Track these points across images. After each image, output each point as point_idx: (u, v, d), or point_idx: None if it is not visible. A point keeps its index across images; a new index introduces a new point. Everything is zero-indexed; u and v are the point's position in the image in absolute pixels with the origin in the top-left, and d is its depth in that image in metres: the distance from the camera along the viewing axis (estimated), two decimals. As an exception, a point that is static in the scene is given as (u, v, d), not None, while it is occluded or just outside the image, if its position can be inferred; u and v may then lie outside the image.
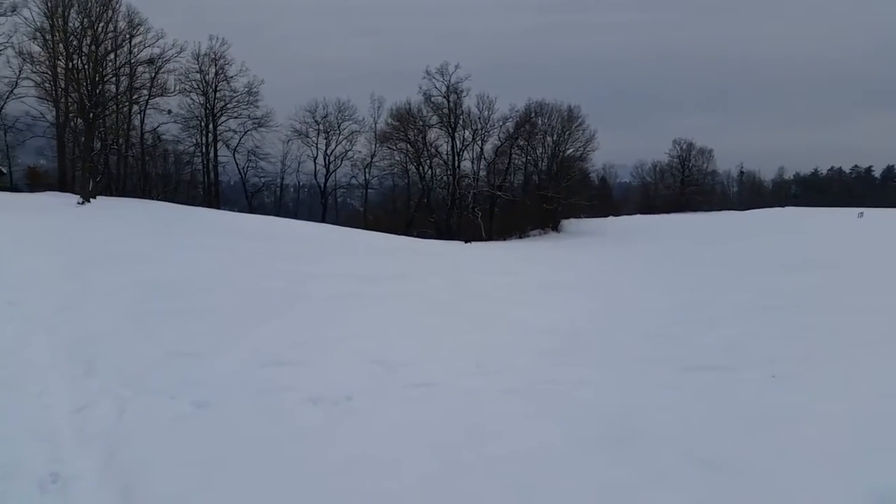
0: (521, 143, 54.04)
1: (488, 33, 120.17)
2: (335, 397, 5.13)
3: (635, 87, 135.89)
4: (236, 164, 58.24)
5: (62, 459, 4.21)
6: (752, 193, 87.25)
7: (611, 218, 55.75)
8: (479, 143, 55.03)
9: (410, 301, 9.30)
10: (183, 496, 3.69)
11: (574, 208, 53.15)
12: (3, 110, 49.44)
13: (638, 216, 57.23)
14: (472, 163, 55.62)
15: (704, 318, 8.80)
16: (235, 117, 56.47)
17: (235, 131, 56.96)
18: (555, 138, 53.59)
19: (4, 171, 50.50)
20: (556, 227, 50.56)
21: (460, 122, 54.60)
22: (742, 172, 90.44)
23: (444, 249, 24.57)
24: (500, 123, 54.36)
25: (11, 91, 48.57)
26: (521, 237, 48.83)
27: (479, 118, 54.41)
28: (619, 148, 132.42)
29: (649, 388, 5.40)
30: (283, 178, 62.03)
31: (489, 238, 47.73)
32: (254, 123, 56.69)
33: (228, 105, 55.97)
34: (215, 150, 56.47)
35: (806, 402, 4.96)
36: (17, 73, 47.97)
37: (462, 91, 54.17)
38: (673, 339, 7.38)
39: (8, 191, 45.00)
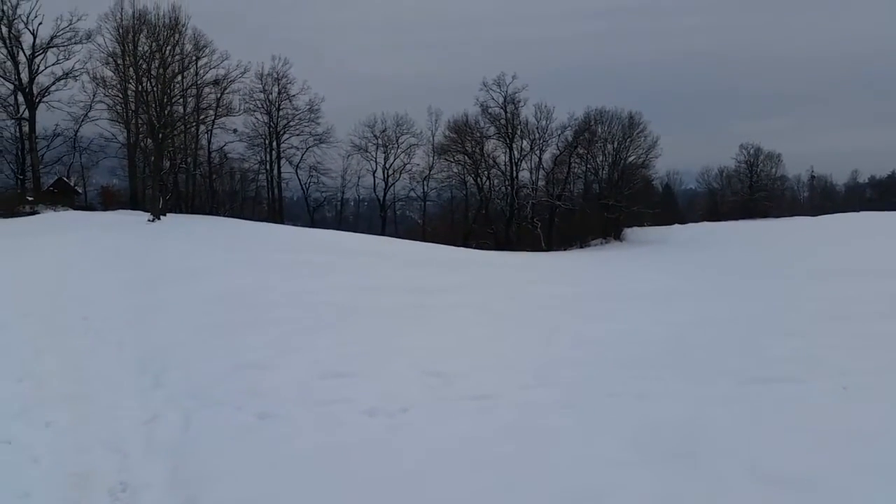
0: (581, 151, 53.44)
1: (546, 42, 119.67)
2: (392, 409, 5.15)
3: (700, 91, 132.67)
4: (299, 179, 59.64)
5: (131, 469, 4.37)
6: (823, 198, 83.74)
7: (676, 226, 54.32)
8: (538, 152, 54.71)
9: (468, 312, 9.28)
10: (246, 505, 3.76)
11: (637, 217, 52.15)
12: (78, 133, 52.19)
13: (704, 223, 55.59)
14: (531, 173, 55.35)
15: (773, 328, 8.46)
16: (297, 134, 57.94)
17: (298, 148, 58.40)
18: (615, 146, 52.81)
19: (80, 191, 53.21)
20: (618, 237, 49.68)
21: (518, 132, 54.42)
22: (813, 177, 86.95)
23: (503, 260, 24.48)
24: (559, 132, 53.93)
25: (86, 114, 51.28)
26: (581, 247, 48.21)
27: (537, 128, 54.14)
28: (683, 154, 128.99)
29: (713, 400, 5.22)
30: (343, 193, 63.14)
31: (549, 248, 47.27)
32: (315, 140, 58.03)
33: (291, 123, 57.46)
34: (279, 167, 58.04)
35: (880, 416, 4.69)
36: (92, 97, 50.64)
37: (519, 101, 54.03)
38: (739, 350, 7.12)
39: (83, 209, 47.39)
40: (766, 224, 49.70)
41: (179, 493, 3.97)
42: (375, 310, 9.36)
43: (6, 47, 47.91)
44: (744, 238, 37.01)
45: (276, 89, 56.35)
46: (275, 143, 57.46)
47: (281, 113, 57.00)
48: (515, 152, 54.56)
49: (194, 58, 50.64)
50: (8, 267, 15.26)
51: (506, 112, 54.24)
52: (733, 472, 3.85)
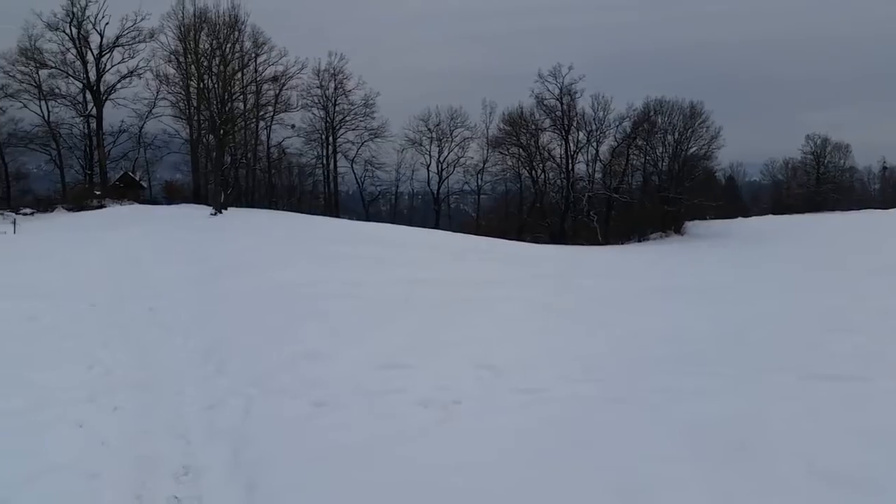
0: (640, 143, 52.29)
1: (604, 30, 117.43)
2: (444, 401, 5.20)
3: (765, 80, 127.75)
4: (354, 174, 60.44)
5: (194, 453, 4.54)
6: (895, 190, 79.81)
7: (739, 219, 52.67)
8: (595, 144, 53.82)
9: (519, 306, 9.25)
10: (302, 491, 3.89)
11: (698, 209, 50.69)
12: (143, 129, 54.19)
13: (769, 217, 53.80)
14: (587, 165, 54.49)
15: (837, 323, 8.14)
16: (353, 129, 58.69)
17: (353, 143, 59.15)
18: (676, 137, 51.35)
19: (145, 185, 55.23)
20: (678, 230, 48.47)
21: (574, 123, 53.65)
22: (885, 168, 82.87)
23: (557, 254, 24.27)
24: (617, 124, 52.86)
25: (150, 111, 53.25)
26: (640, 241, 47.26)
27: (594, 119, 53.20)
28: (748, 145, 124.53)
29: (768, 397, 5.08)
30: (397, 187, 63.68)
31: (605, 242, 46.56)
32: (370, 134, 58.64)
33: (347, 118, 58.22)
34: (335, 162, 58.95)
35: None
36: (155, 94, 52.56)
37: (576, 92, 53.22)
38: (799, 345, 6.90)
39: (148, 203, 49.20)
40: (834, 217, 47.73)
41: (239, 477, 4.11)
42: (428, 302, 9.43)
43: (76, 47, 50.09)
44: (810, 231, 35.64)
45: (333, 85, 57.17)
46: (331, 138, 58.34)
47: (337, 108, 57.81)
48: (571, 144, 53.86)
49: (253, 55, 51.85)
50: (78, 259, 15.99)
51: (562, 103, 53.56)
52: (789, 470, 3.76)
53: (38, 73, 48.91)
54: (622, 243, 45.69)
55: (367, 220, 49.38)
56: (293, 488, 3.91)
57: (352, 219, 48.23)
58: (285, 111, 55.23)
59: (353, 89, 57.32)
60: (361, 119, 58.24)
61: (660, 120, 51.58)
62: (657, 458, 4.01)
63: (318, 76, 56.60)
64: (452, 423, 4.78)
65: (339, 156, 59.24)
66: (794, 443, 4.12)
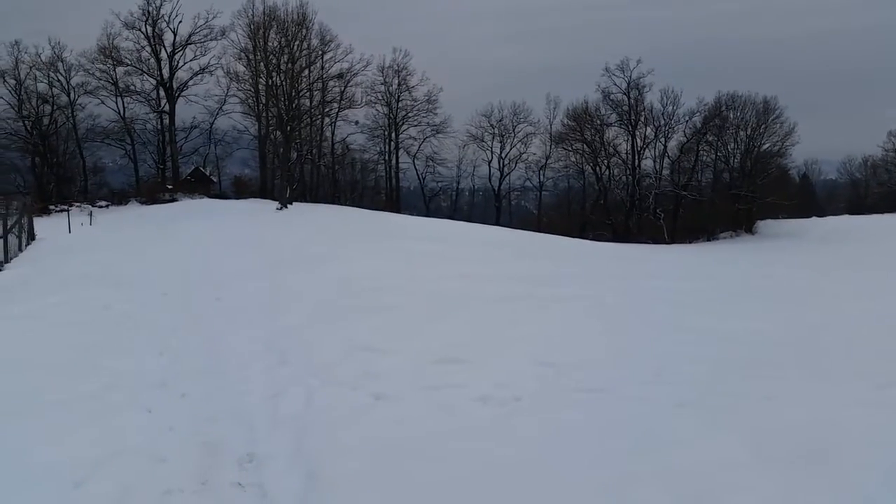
0: (710, 138, 50.65)
1: (673, 24, 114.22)
2: (503, 397, 5.13)
3: (844, 74, 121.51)
4: (415, 169, 60.79)
5: (257, 441, 4.61)
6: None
7: (814, 218, 50.37)
8: (663, 140, 52.44)
9: (582, 304, 9.07)
10: (361, 481, 3.89)
11: (771, 208, 48.78)
12: (213, 125, 55.91)
13: (846, 217, 51.24)
14: (655, 161, 53.15)
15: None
16: (415, 125, 59.01)
17: (415, 139, 59.49)
18: (748, 133, 49.44)
19: (215, 180, 57.00)
20: (749, 229, 46.80)
21: (641, 118, 52.43)
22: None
23: (621, 252, 23.78)
24: (686, 119, 51.33)
25: (220, 107, 54.82)
26: (709, 240, 45.86)
27: (663, 114, 51.81)
28: (824, 142, 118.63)
29: (846, 404, 4.81)
30: (458, 183, 63.70)
31: (672, 241, 45.38)
32: (432, 130, 58.85)
33: (409, 114, 58.59)
34: (397, 158, 59.44)
35: None
36: (226, 91, 54.07)
37: (644, 87, 51.96)
38: (878, 352, 6.51)
39: (218, 198, 50.75)
40: (917, 218, 45.12)
41: (301, 466, 4.14)
42: (488, 298, 9.35)
43: (150, 45, 52.08)
44: (890, 232, 33.80)
45: (397, 81, 57.60)
46: (394, 134, 58.84)
47: (400, 104, 58.23)
48: (638, 140, 52.68)
49: (320, 52, 52.71)
50: (150, 250, 16.62)
51: (629, 98, 52.42)
52: (865, 480, 3.55)
53: (115, 70, 51.14)
54: (690, 242, 44.42)
55: (428, 215, 49.65)
56: (352, 478, 3.92)
57: (412, 214, 48.61)
58: (350, 108, 56.03)
59: (417, 85, 57.64)
60: (424, 115, 58.53)
61: (731, 115, 49.85)
62: (724, 464, 3.86)
63: (383, 73, 57.15)
64: (512, 420, 4.71)
65: (401, 152, 59.73)
66: (871, 452, 3.90)
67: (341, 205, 48.98)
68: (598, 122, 53.87)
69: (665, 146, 52.38)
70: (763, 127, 48.90)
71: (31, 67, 48.65)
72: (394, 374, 5.86)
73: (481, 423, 4.68)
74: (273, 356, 6.72)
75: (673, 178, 51.89)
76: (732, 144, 50.67)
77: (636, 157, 52.65)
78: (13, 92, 48.54)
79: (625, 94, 52.53)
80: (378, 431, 4.61)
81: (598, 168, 54.71)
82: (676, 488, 3.59)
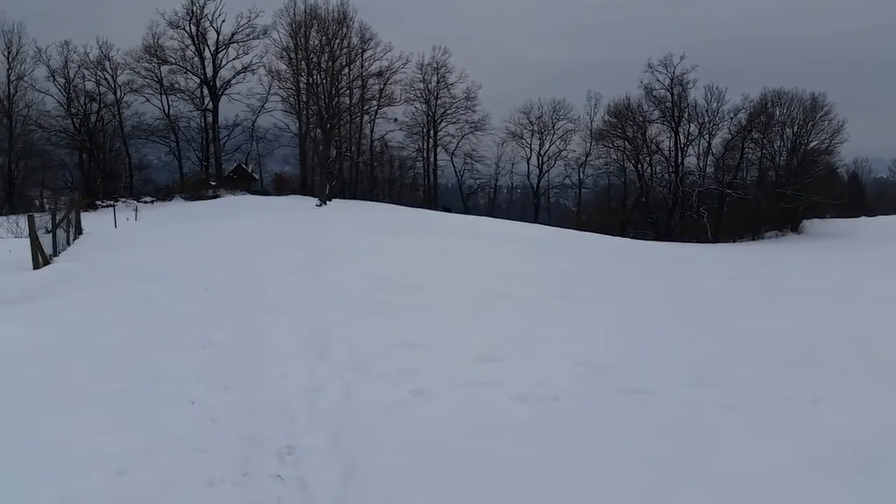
0: (756, 136, 49.49)
1: (718, 20, 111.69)
2: (542, 396, 5.08)
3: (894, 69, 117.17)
4: (454, 167, 60.88)
5: (296, 434, 4.65)
6: None
7: (863, 218, 48.79)
8: (707, 137, 51.48)
9: (624, 304, 8.92)
10: (398, 476, 3.91)
11: (818, 207, 47.37)
12: (255, 123, 56.80)
13: (896, 216, 49.52)
14: (698, 159, 52.22)
15: None
16: (454, 122, 59.08)
17: (453, 136, 59.55)
18: (795, 130, 48.14)
19: (256, 177, 57.93)
20: (795, 229, 45.54)
21: (685, 115, 51.52)
22: None
23: (665, 251, 23.37)
24: (731, 116, 50.33)
25: (262, 105, 55.72)
26: (753, 239, 44.77)
27: (707, 111, 50.88)
28: (874, 139, 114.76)
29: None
30: (496, 180, 63.59)
31: (715, 240, 44.46)
32: (471, 127, 58.83)
33: (448, 111, 58.65)
34: (435, 155, 59.58)
35: None
36: (267, 90, 54.93)
37: (688, 83, 51.11)
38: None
39: (259, 194, 51.61)
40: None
41: (340, 460, 4.17)
42: (527, 297, 9.27)
43: (194, 44, 53.18)
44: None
45: (435, 79, 57.70)
46: (432, 132, 58.97)
47: (439, 101, 58.32)
48: (681, 137, 51.79)
49: (360, 50, 53.16)
50: (193, 245, 16.94)
51: (672, 94, 51.59)
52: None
53: (159, 69, 52.38)
54: (734, 241, 43.47)
55: (465, 213, 49.61)
56: (390, 473, 3.93)
57: (450, 212, 48.62)
58: (389, 105, 56.37)
59: (455, 83, 57.68)
60: (462, 112, 58.53)
61: (778, 112, 48.61)
62: (771, 470, 3.75)
63: (422, 70, 57.30)
64: (550, 420, 4.65)
65: (439, 149, 59.82)
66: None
67: (380, 202, 49.28)
68: (641, 118, 53.13)
69: (709, 143, 51.46)
70: (810, 124, 47.55)
71: (79, 66, 50.16)
72: (432, 370, 5.84)
73: (519, 421, 4.63)
74: (312, 351, 6.78)
75: (717, 175, 50.87)
76: (779, 142, 49.45)
77: (679, 155, 51.80)
78: (62, 90, 50.10)
79: (668, 90, 51.73)
80: (416, 427, 4.60)
81: (639, 165, 53.96)
82: (720, 493, 3.50)
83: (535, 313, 8.25)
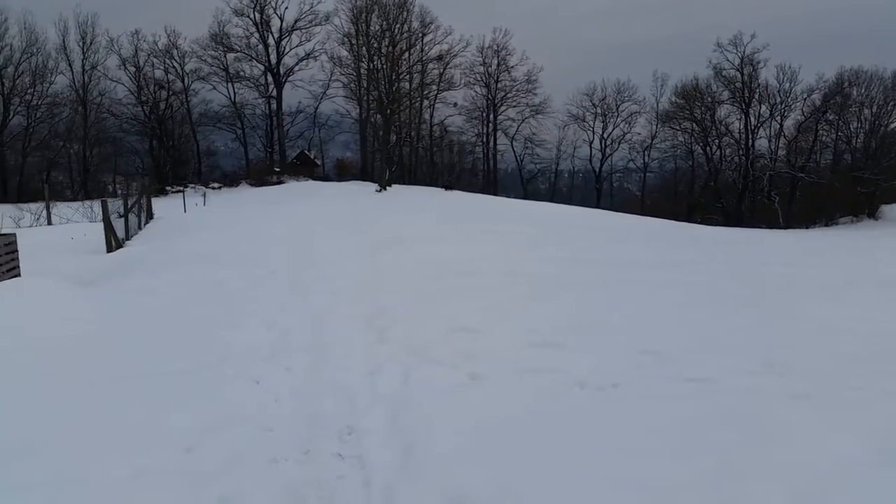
0: (831, 117, 47.29)
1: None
2: (601, 383, 5.01)
3: None
4: (513, 151, 60.53)
5: (356, 415, 4.73)
6: None
7: (947, 203, 46.05)
8: (778, 118, 49.52)
9: (690, 290, 8.69)
10: (455, 458, 3.94)
11: (897, 192, 45.01)
12: (317, 109, 57.79)
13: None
14: (769, 141, 50.34)
15: None
16: (514, 106, 58.69)
17: (514, 120, 59.16)
18: (874, 111, 45.76)
19: (318, 163, 59.03)
20: (872, 214, 43.34)
21: (756, 96, 49.66)
22: None
23: (735, 236, 22.63)
24: (805, 96, 48.26)
25: (324, 92, 56.75)
26: (827, 225, 42.88)
27: (779, 91, 48.94)
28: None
29: None
30: (557, 164, 62.94)
31: (787, 225, 42.78)
32: (531, 111, 58.31)
33: (508, 94, 58.27)
34: (495, 139, 59.33)
35: None
36: (329, 76, 55.84)
37: (758, 62, 49.26)
38: None
39: (321, 179, 52.61)
40: None
41: (398, 441, 4.23)
42: (588, 283, 9.15)
43: (259, 32, 54.47)
44: None
45: (496, 61, 57.37)
46: (492, 116, 58.68)
47: (499, 85, 57.99)
48: (752, 119, 50.00)
49: (420, 35, 53.36)
50: (259, 230, 17.39)
51: (742, 74, 49.79)
52: None
53: (225, 56, 53.97)
54: (807, 227, 41.73)
55: (525, 198, 49.29)
56: (447, 455, 3.96)
57: (510, 196, 48.39)
58: (448, 90, 56.43)
59: (516, 65, 57.23)
60: (523, 95, 58.06)
61: (855, 92, 46.27)
62: (842, 462, 3.62)
63: (482, 53, 57.05)
64: (610, 406, 4.59)
65: (499, 133, 59.51)
66: None
67: (438, 187, 49.45)
68: (709, 99, 51.54)
69: (781, 125, 49.52)
70: (891, 104, 45.02)
71: (148, 55, 52.21)
72: (490, 355, 5.85)
73: (578, 407, 4.59)
74: (372, 334, 6.88)
75: (789, 158, 48.92)
76: (856, 123, 47.10)
77: (749, 137, 50.03)
78: (133, 79, 52.23)
79: (738, 70, 49.95)
80: (472, 410, 4.62)
81: (708, 148, 52.41)
82: (784, 483, 3.40)
83: (595, 299, 8.14)
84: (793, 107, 48.89)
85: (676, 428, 4.15)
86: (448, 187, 40.71)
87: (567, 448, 3.95)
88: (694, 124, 52.71)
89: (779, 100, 48.91)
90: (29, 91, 48.35)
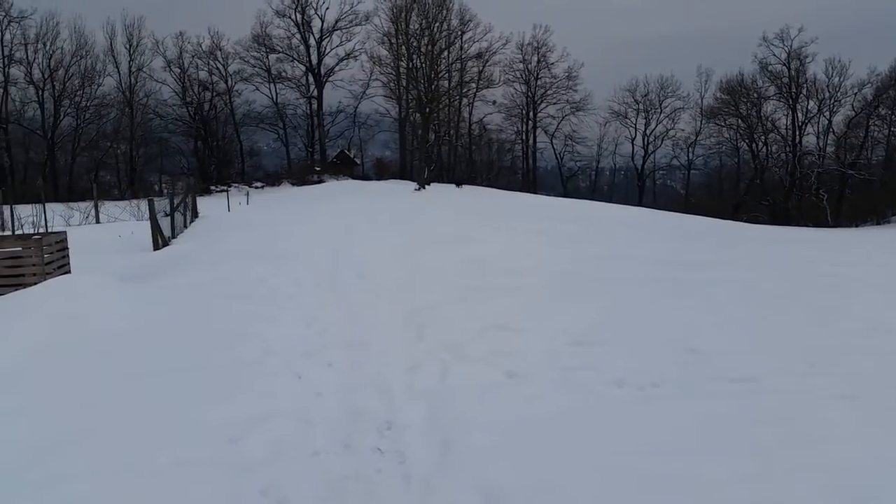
0: (883, 112, 45.71)
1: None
2: (641, 382, 4.98)
3: None
4: (553, 149, 60.12)
5: (395, 410, 4.79)
6: None
7: None
8: (827, 114, 48.12)
9: (733, 289, 8.53)
10: (492, 454, 3.97)
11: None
12: (357, 109, 58.31)
13: None
14: (818, 137, 48.97)
15: None
16: (554, 103, 58.28)
17: (554, 117, 58.76)
18: (931, 104, 44.17)
19: (358, 162, 59.57)
20: (923, 212, 41.81)
21: (803, 91, 48.33)
22: None
23: (782, 235, 22.10)
24: (855, 91, 46.78)
25: (364, 91, 57.18)
26: (878, 223, 41.48)
27: (828, 86, 47.49)
28: None
29: None
30: (598, 162, 62.32)
31: (836, 224, 41.53)
32: (572, 108, 57.83)
33: (548, 92, 57.88)
34: (534, 137, 59.05)
35: None
36: (369, 76, 56.24)
37: (806, 56, 47.90)
38: None
39: (360, 179, 53.09)
40: None
41: (435, 436, 4.28)
42: (628, 281, 9.06)
43: (300, 32, 55.19)
44: None
45: (536, 58, 57.06)
46: (531, 113, 58.36)
47: (539, 82, 57.66)
48: (799, 114, 48.72)
49: (459, 32, 53.36)
50: (300, 228, 17.63)
51: (789, 69, 48.54)
52: None
53: (267, 57, 54.83)
54: (856, 226, 40.45)
55: (565, 196, 48.91)
56: (484, 451, 3.99)
57: (549, 195, 48.08)
58: (487, 87, 56.31)
59: (557, 62, 56.84)
60: (563, 92, 57.63)
61: (910, 86, 44.59)
62: (884, 463, 3.55)
63: (521, 50, 56.80)
64: (649, 406, 4.55)
65: (538, 131, 59.17)
66: None
67: (477, 185, 49.42)
68: (755, 95, 50.38)
69: (830, 121, 48.12)
70: (949, 98, 43.38)
71: (193, 57, 53.41)
72: (527, 353, 5.86)
73: (616, 406, 4.57)
74: (410, 331, 6.94)
75: (838, 155, 47.49)
76: (910, 117, 45.40)
77: (797, 133, 48.74)
78: (178, 80, 53.46)
79: (784, 64, 48.71)
80: (510, 408, 4.65)
81: (754, 145, 51.25)
82: (826, 484, 3.35)
83: (637, 298, 8.05)
84: (842, 102, 47.54)
85: (717, 427, 4.10)
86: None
87: (603, 446, 3.94)
88: (739, 120, 51.59)
89: (828, 95, 47.59)
90: (78, 93, 50.07)
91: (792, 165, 48.28)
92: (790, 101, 48.73)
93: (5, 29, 46.98)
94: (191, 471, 3.84)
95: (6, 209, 20.33)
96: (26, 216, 19.25)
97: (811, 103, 48.45)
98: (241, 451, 4.12)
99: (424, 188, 38.40)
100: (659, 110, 58.39)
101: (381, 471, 3.91)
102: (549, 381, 5.13)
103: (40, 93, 48.72)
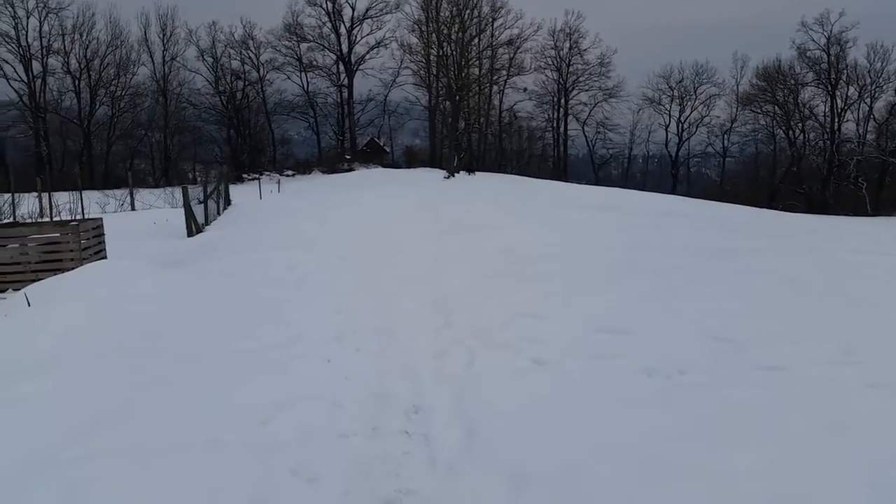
0: (926, 97, 44.31)
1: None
2: (670, 371, 4.93)
3: None
4: (585, 136, 59.56)
5: (422, 395, 4.85)
6: None
7: None
8: (868, 101, 46.81)
9: (767, 277, 8.38)
10: (518, 440, 4.00)
11: None
12: (387, 97, 58.39)
13: None
14: (857, 125, 47.71)
15: None
16: (586, 90, 57.67)
17: (586, 104, 58.16)
18: (976, 90, 42.70)
19: (388, 150, 59.73)
20: (971, 201, 40.53)
21: (843, 77, 47.03)
22: None
23: (820, 224, 21.64)
24: (898, 76, 45.33)
25: (394, 80, 57.26)
26: (918, 212, 40.36)
27: (869, 72, 46.14)
28: None
29: None
30: (631, 149, 61.62)
31: (875, 213, 40.48)
32: (604, 95, 57.17)
33: (580, 78, 57.29)
34: (565, 125, 58.52)
35: None
36: (399, 64, 56.30)
37: (846, 42, 46.57)
38: None
39: (390, 167, 53.29)
40: None
41: (461, 422, 4.32)
42: (658, 268, 8.96)
43: (331, 21, 55.38)
44: None
45: (567, 45, 56.49)
46: (563, 100, 57.83)
47: (571, 69, 57.09)
48: (839, 101, 47.44)
49: (490, 19, 53.02)
50: (330, 216, 17.80)
51: (828, 55, 47.26)
52: None
53: (298, 46, 55.22)
54: (896, 215, 39.38)
55: (597, 184, 48.45)
56: (510, 437, 4.02)
57: (580, 183, 47.67)
58: (518, 74, 55.96)
59: (589, 48, 56.20)
60: (596, 79, 56.99)
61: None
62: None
63: (553, 37, 56.25)
64: (678, 394, 4.51)
65: (570, 118, 58.61)
66: None
67: (507, 173, 49.24)
68: (793, 81, 49.24)
69: (871, 107, 46.80)
70: None
71: (225, 46, 54.00)
72: (554, 340, 5.85)
73: (644, 394, 4.54)
74: (439, 318, 6.98)
75: (879, 143, 46.15)
76: (956, 104, 43.94)
77: (836, 120, 47.51)
78: (211, 69, 54.14)
79: (824, 50, 47.45)
80: (536, 394, 4.66)
81: (791, 132, 50.12)
82: (858, 473, 3.29)
83: (667, 285, 7.97)
84: (884, 88, 46.20)
85: (748, 416, 4.05)
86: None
87: (630, 433, 3.92)
88: (776, 107, 50.49)
89: (869, 80, 46.27)
90: (113, 82, 51.09)
91: (830, 153, 47.14)
92: (829, 87, 47.51)
93: (43, 20, 48.09)
94: (223, 450, 3.94)
95: (45, 196, 20.88)
96: (64, 203, 19.73)
97: (851, 89, 47.23)
98: (272, 433, 4.21)
99: (454, 176, 38.39)
100: (694, 97, 57.46)
101: (407, 453, 3.97)
102: (577, 369, 5.12)
103: (77, 82, 49.82)
